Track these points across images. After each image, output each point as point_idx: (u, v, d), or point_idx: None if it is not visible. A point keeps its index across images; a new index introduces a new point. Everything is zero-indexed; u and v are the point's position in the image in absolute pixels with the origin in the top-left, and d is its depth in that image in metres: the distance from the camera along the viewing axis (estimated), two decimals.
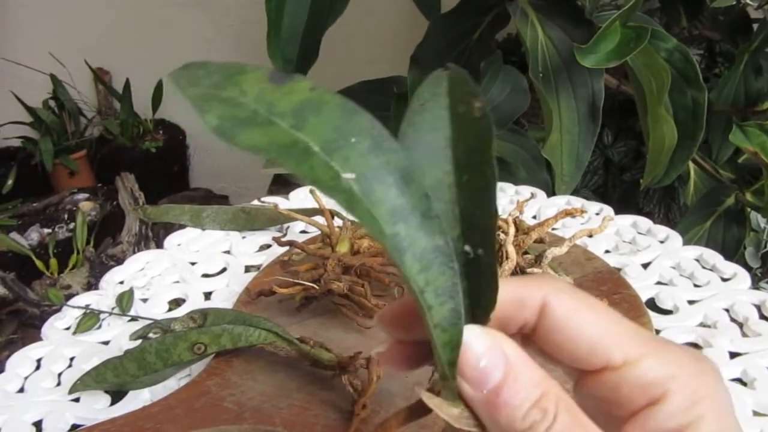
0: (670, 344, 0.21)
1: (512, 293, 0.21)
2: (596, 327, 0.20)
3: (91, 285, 1.30)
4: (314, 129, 0.16)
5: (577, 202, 0.66)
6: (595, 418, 0.19)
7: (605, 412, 0.21)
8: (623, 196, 1.21)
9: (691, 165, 0.98)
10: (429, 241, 0.18)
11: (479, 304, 0.19)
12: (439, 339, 0.19)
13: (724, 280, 0.54)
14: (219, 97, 0.16)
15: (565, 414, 0.19)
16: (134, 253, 0.61)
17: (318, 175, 0.16)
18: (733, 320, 0.50)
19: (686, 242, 0.60)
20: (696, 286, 0.54)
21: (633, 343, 0.20)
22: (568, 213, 0.50)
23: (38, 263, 1.34)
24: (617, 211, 0.63)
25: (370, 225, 0.16)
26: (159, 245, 0.62)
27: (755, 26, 1.00)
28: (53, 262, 1.35)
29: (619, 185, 1.23)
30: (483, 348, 0.19)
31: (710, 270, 0.55)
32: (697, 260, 0.57)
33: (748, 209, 0.92)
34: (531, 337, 0.22)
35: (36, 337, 0.51)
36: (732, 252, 0.93)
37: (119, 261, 1.34)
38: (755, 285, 0.53)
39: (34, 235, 1.48)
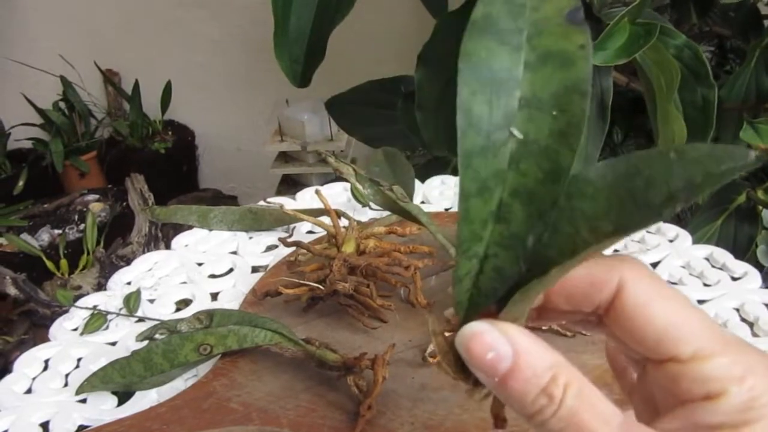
0: (745, 344, 0.21)
1: (589, 273, 0.22)
2: (669, 318, 0.21)
3: (102, 285, 1.31)
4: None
5: None
6: (643, 402, 0.20)
7: (662, 398, 0.21)
8: None
9: None
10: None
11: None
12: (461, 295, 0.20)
13: (735, 279, 0.53)
14: None
15: (573, 398, 0.20)
16: (144, 253, 0.61)
17: None
18: (743, 320, 0.49)
19: (697, 241, 0.59)
20: (706, 285, 0.53)
21: (705, 339, 0.20)
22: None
23: (49, 264, 1.35)
24: None
25: None
26: (168, 246, 0.62)
27: (767, 22, 0.99)
28: (64, 262, 1.35)
29: None
30: (490, 341, 0.20)
31: (720, 269, 0.55)
32: (707, 259, 0.56)
33: (760, 207, 0.91)
34: (603, 319, 0.22)
35: (47, 338, 0.51)
36: (743, 250, 0.92)
37: (129, 261, 1.34)
38: (767, 284, 0.52)
39: (45, 236, 1.49)
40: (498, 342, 0.20)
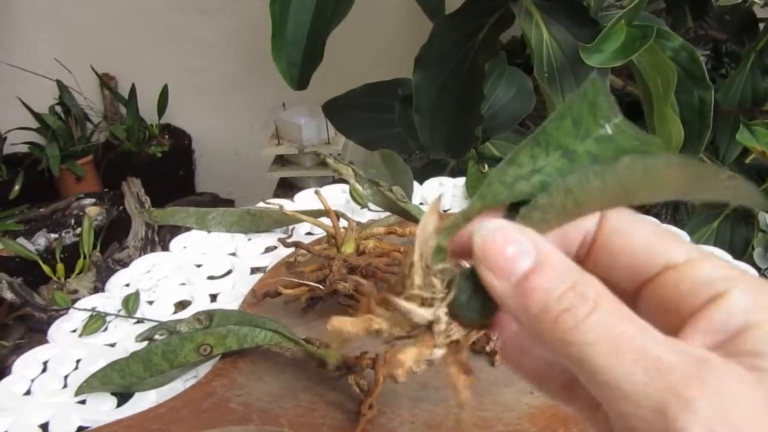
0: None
1: None
2: (654, 231, 0.20)
3: (98, 289, 1.30)
4: None
5: None
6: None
7: (665, 321, 0.19)
8: None
9: None
10: None
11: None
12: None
13: None
14: None
15: (610, 303, 0.17)
16: (141, 257, 0.61)
17: None
18: None
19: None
20: None
21: (693, 249, 0.19)
22: None
23: (45, 268, 1.34)
24: None
25: None
26: (165, 249, 0.62)
27: (762, 26, 0.99)
28: (60, 267, 1.35)
29: None
30: (511, 235, 0.18)
31: None
32: None
33: (756, 210, 0.92)
34: (587, 258, 0.21)
35: (43, 342, 0.51)
36: (740, 253, 0.93)
37: (126, 265, 1.33)
38: None
39: (41, 240, 1.48)
40: (521, 238, 0.18)
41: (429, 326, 0.19)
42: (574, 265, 0.18)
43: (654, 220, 0.21)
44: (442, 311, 0.19)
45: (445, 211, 0.66)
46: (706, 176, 0.19)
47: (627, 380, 0.16)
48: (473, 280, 0.19)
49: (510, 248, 0.18)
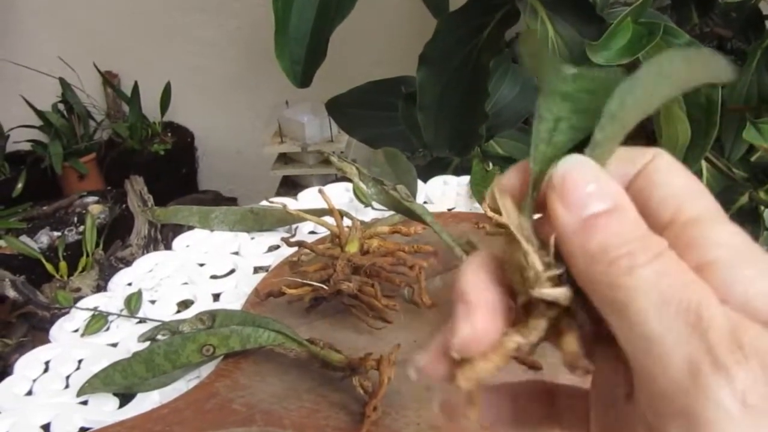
0: None
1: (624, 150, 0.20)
2: (685, 185, 0.19)
3: (101, 288, 1.30)
4: None
5: None
6: None
7: None
8: None
9: (704, 164, 0.97)
10: None
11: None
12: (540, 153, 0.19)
13: None
14: None
15: (672, 259, 0.17)
16: (143, 255, 0.60)
17: None
18: None
19: None
20: None
21: (709, 208, 0.19)
22: None
23: (48, 266, 1.34)
24: None
25: None
26: (168, 248, 0.62)
27: None
28: (63, 265, 1.35)
29: None
30: (595, 174, 0.18)
31: None
32: None
33: (762, 208, 0.91)
34: (636, 180, 0.20)
35: (46, 340, 0.51)
36: None
37: (128, 264, 1.33)
38: None
39: (44, 238, 1.48)
40: (604, 180, 0.18)
41: (565, 308, 0.18)
42: (644, 225, 0.17)
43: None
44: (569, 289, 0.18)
45: (449, 209, 0.65)
46: (700, 57, 0.19)
47: (665, 334, 0.16)
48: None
49: (591, 186, 0.17)
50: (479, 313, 0.18)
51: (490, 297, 0.18)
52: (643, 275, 0.16)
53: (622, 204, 0.18)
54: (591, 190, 0.17)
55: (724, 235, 0.17)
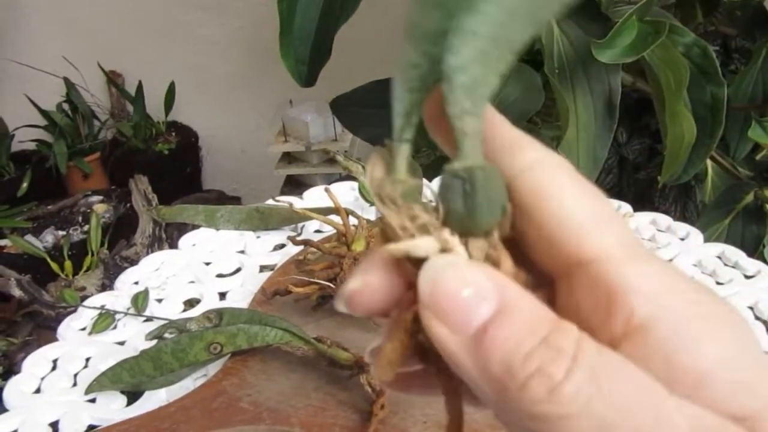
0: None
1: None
2: (583, 201, 0.16)
3: (106, 287, 1.30)
4: None
5: None
6: None
7: (593, 305, 0.16)
8: (638, 195, 1.19)
9: (709, 162, 0.97)
10: None
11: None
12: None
13: (747, 277, 0.53)
14: None
15: (595, 355, 0.13)
16: (148, 254, 0.60)
17: None
18: (757, 318, 0.49)
19: (705, 240, 0.59)
20: (718, 283, 0.53)
21: (625, 239, 0.16)
22: None
23: (53, 265, 1.34)
24: (634, 210, 0.62)
25: None
26: (172, 247, 0.62)
27: None
28: (68, 264, 1.35)
29: (634, 184, 1.22)
30: (466, 273, 0.14)
31: (733, 267, 0.54)
32: (719, 257, 0.56)
33: None
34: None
35: (51, 339, 0.51)
36: (751, 250, 0.92)
37: (133, 263, 1.34)
38: None
39: (49, 237, 1.48)
40: (479, 276, 0.14)
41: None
42: (547, 311, 0.14)
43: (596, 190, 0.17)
44: (445, 233, 0.15)
45: None
46: None
47: None
48: (458, 179, 0.16)
49: (466, 291, 0.14)
50: (375, 272, 0.16)
51: (390, 264, 0.16)
52: (567, 398, 0.13)
53: (510, 298, 0.14)
54: (469, 294, 0.14)
55: (650, 282, 0.14)
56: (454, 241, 0.15)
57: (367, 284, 0.16)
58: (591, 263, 0.15)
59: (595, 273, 0.15)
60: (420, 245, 0.15)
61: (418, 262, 0.15)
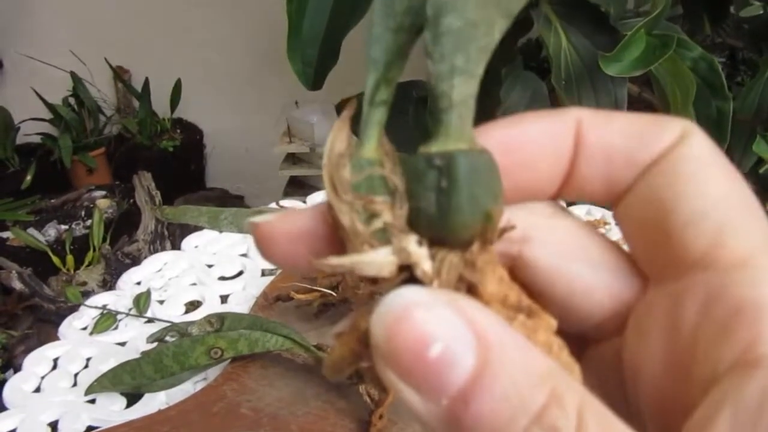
0: None
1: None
2: (634, 123, 0.14)
3: (107, 282, 1.31)
4: None
5: (598, 212, 0.65)
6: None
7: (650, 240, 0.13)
8: None
9: None
10: None
11: None
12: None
13: None
14: None
15: (597, 426, 0.10)
16: (150, 251, 0.61)
17: None
18: None
19: None
20: None
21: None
22: (590, 224, 0.49)
23: (55, 259, 1.35)
24: None
25: None
26: (175, 244, 0.62)
27: None
28: (70, 258, 1.35)
29: None
30: (431, 316, 0.11)
31: None
32: None
33: None
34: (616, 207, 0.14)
35: (51, 333, 0.51)
36: None
37: (135, 259, 1.35)
38: None
39: (52, 231, 1.49)
40: (449, 318, 0.11)
41: (409, 271, 0.12)
42: (541, 365, 0.11)
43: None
44: (409, 241, 0.12)
45: None
46: None
47: None
48: (433, 169, 0.12)
49: (434, 348, 0.10)
50: (295, 215, 0.13)
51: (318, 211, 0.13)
52: None
53: (493, 348, 0.11)
54: (437, 353, 0.10)
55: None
56: (420, 254, 0.12)
57: (281, 218, 0.13)
58: (716, 269, 0.12)
59: (720, 282, 0.12)
60: (370, 262, 0.11)
61: (373, 279, 0.12)
